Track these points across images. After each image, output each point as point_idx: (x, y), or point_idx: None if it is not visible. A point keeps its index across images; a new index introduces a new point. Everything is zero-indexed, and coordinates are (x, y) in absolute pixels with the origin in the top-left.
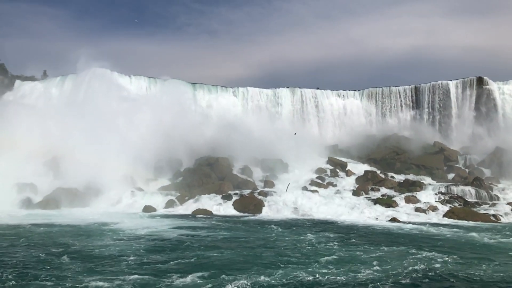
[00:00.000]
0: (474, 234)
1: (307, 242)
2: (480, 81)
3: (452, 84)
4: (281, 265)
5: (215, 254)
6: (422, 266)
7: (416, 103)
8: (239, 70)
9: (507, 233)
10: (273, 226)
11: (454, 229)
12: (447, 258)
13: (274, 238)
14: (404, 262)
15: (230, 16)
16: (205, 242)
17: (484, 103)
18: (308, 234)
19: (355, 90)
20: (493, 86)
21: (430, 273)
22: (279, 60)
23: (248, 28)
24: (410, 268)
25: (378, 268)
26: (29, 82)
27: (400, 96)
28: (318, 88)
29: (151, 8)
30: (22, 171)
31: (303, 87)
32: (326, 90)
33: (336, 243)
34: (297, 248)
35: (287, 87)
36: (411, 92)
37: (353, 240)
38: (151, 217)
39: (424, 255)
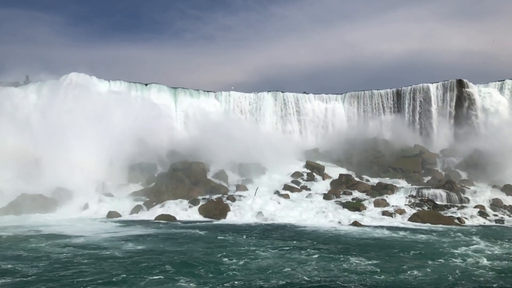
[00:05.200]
0: (424, 236)
1: (238, 250)
2: (460, 84)
3: (432, 87)
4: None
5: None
6: (339, 271)
7: (398, 106)
8: (236, 75)
9: (459, 235)
10: (224, 234)
11: (409, 233)
12: (373, 266)
13: (205, 247)
14: (323, 268)
15: (226, 21)
16: (119, 259)
17: (464, 105)
18: (251, 242)
19: (338, 94)
20: (473, 89)
21: (344, 281)
22: (275, 65)
23: (244, 34)
24: (325, 274)
25: (288, 276)
26: (8, 87)
27: (382, 99)
28: (305, 92)
29: (147, 14)
30: None
31: (299, 91)
32: (309, 94)
33: (270, 250)
34: (218, 258)
35: (269, 91)
36: (393, 95)
37: (293, 246)
38: (108, 223)
39: (352, 260)
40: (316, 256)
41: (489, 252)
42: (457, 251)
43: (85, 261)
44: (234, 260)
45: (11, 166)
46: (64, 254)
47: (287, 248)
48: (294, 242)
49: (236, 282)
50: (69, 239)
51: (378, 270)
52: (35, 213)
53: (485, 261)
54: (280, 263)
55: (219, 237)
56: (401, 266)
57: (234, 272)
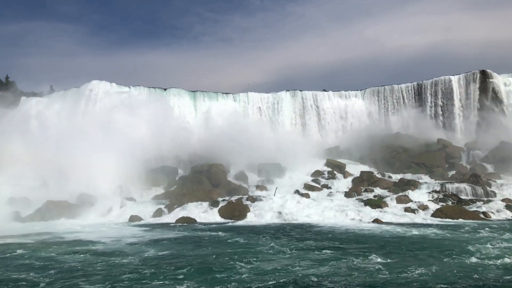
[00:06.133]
0: (446, 233)
1: (253, 252)
2: (484, 75)
3: (454, 79)
4: None
5: None
6: (352, 270)
7: (419, 100)
8: (255, 76)
9: (484, 230)
10: (241, 235)
11: (431, 229)
12: (388, 265)
13: (220, 249)
14: (336, 268)
15: (244, 23)
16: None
17: (488, 97)
18: (267, 243)
19: (357, 90)
20: (498, 79)
21: (354, 280)
22: (294, 64)
23: (263, 34)
24: (337, 274)
25: (299, 277)
26: (34, 98)
27: (402, 93)
28: (325, 90)
29: (166, 20)
30: (19, 185)
31: (319, 90)
32: (328, 91)
33: (285, 250)
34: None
35: (287, 91)
36: (414, 89)
37: (309, 246)
38: (129, 228)
39: (368, 259)
40: (331, 255)
41: None
42: (479, 247)
43: (98, 268)
44: (246, 262)
45: (37, 174)
46: (79, 262)
47: (303, 248)
48: (311, 241)
49: (244, 285)
50: (88, 245)
51: (393, 268)
52: (60, 219)
53: (508, 258)
54: (293, 264)
55: (236, 239)
56: (418, 264)
57: (244, 274)
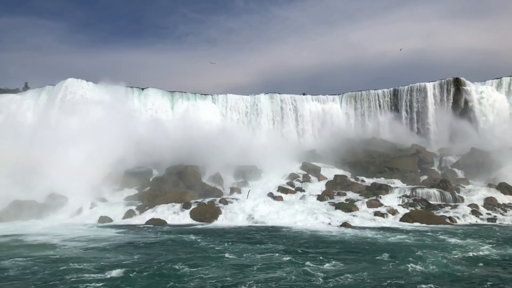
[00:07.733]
0: (405, 237)
1: (210, 256)
2: (457, 82)
3: (429, 86)
4: None
5: None
6: (304, 274)
7: (395, 106)
8: (239, 78)
9: (443, 234)
10: (207, 238)
11: (394, 233)
12: (341, 269)
13: (178, 254)
14: (289, 272)
15: (229, 24)
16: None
17: (461, 104)
18: (228, 246)
19: (335, 95)
20: (471, 87)
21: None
22: (279, 66)
23: (247, 36)
24: (288, 279)
25: (248, 282)
26: (7, 94)
27: (379, 99)
28: (304, 94)
29: (150, 19)
30: None
31: (301, 93)
32: (306, 95)
33: (244, 254)
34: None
35: (266, 93)
36: (390, 94)
37: (270, 249)
38: (96, 229)
39: (320, 262)
40: (288, 260)
41: (460, 254)
42: (430, 254)
43: (40, 277)
44: (200, 267)
45: (6, 172)
46: (23, 269)
47: (264, 252)
48: (275, 245)
49: None
50: (45, 249)
51: (336, 274)
52: (27, 220)
53: (450, 264)
54: (247, 269)
55: (199, 242)
56: (363, 269)
57: (194, 280)
